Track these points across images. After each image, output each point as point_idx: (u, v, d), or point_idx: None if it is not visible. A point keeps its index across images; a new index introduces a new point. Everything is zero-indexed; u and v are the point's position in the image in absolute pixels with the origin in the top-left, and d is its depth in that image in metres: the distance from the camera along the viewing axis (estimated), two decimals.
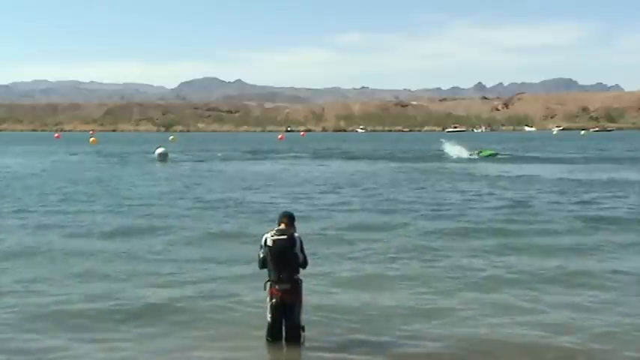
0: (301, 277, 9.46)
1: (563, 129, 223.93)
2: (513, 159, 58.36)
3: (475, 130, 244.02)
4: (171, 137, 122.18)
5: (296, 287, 9.34)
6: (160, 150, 59.85)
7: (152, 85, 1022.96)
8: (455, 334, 10.31)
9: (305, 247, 9.48)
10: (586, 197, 27.38)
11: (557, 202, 25.92)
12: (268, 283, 9.44)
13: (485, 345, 9.90)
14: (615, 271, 14.04)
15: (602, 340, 9.99)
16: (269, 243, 9.30)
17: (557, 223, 20.55)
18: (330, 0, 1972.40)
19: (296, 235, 9.37)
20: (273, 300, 9.34)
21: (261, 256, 9.46)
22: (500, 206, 24.80)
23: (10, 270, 14.63)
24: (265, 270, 9.50)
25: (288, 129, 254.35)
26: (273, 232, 9.38)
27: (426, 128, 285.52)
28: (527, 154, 66.70)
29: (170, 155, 60.19)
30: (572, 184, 33.75)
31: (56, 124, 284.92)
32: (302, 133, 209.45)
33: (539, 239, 17.93)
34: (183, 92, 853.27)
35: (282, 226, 9.46)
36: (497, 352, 9.67)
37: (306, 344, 9.50)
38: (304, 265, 9.41)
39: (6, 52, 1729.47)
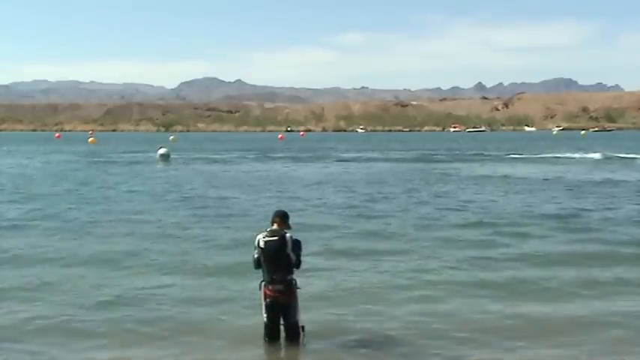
0: (295, 278, 9.37)
1: (563, 129, 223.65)
2: None
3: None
4: (172, 137, 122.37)
5: (290, 288, 9.28)
6: (162, 150, 60.15)
7: (152, 85, 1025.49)
8: (456, 335, 10.26)
9: (302, 245, 9.40)
10: None
11: None
12: (262, 284, 9.40)
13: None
14: None
15: None
16: (261, 245, 9.25)
17: None
18: (330, 0, 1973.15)
19: (288, 235, 9.27)
20: (267, 300, 9.30)
21: (256, 256, 9.42)
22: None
23: None
24: (260, 270, 9.44)
25: (288, 129, 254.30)
26: (265, 234, 9.32)
27: (426, 128, 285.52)
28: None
29: (172, 156, 60.33)
30: None
31: (56, 124, 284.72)
32: (301, 133, 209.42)
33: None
34: (183, 92, 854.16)
35: (275, 225, 9.39)
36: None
37: (306, 344, 9.45)
38: (297, 265, 9.34)
39: (6, 52, 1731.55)
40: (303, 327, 9.45)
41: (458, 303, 11.95)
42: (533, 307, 11.71)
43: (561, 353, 9.64)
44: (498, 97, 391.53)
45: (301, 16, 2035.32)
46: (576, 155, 61.12)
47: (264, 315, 9.44)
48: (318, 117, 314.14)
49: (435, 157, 65.20)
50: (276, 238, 9.25)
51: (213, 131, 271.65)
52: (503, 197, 28.08)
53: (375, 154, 70.97)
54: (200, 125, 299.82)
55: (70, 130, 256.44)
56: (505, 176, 39.16)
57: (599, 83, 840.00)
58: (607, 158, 57.11)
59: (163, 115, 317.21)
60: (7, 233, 19.28)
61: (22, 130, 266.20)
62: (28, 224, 20.83)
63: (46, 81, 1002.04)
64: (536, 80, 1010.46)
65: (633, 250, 16.40)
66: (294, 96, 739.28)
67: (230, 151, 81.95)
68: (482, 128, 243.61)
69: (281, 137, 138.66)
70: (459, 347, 9.79)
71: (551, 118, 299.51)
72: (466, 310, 11.51)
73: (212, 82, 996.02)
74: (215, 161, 58.53)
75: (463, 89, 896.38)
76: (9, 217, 22.44)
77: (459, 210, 23.89)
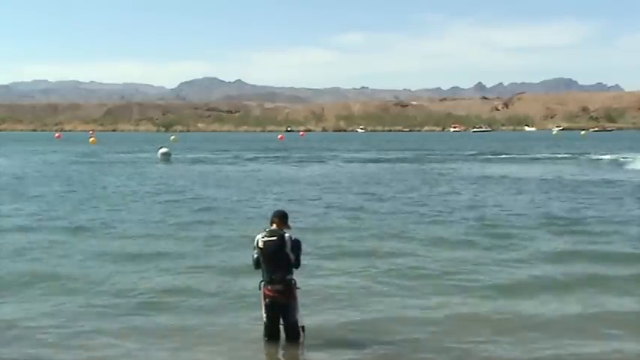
0: (294, 278, 9.42)
1: (563, 129, 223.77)
2: None
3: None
4: (173, 137, 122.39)
5: (289, 287, 9.31)
6: (163, 150, 60.36)
7: (152, 85, 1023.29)
8: (456, 337, 10.28)
9: (302, 245, 9.46)
10: None
11: None
12: (262, 284, 9.45)
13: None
14: None
15: None
16: (260, 245, 9.29)
17: None
18: (330, 0, 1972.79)
19: (287, 235, 9.30)
20: (267, 300, 9.35)
21: (255, 256, 9.46)
22: None
23: None
24: (260, 270, 9.48)
25: (288, 129, 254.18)
26: (264, 234, 9.36)
27: (426, 128, 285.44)
28: None
29: (172, 155, 60.45)
30: None
31: (56, 124, 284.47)
32: (301, 133, 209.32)
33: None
34: (183, 92, 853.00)
35: (274, 226, 9.43)
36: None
37: (306, 344, 9.48)
38: (296, 265, 9.38)
39: (6, 52, 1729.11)
40: (303, 327, 9.47)
41: (460, 306, 11.82)
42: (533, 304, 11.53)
43: None
44: (498, 97, 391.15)
45: (301, 16, 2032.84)
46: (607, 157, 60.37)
47: (264, 315, 9.46)
48: (318, 117, 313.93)
49: (455, 157, 65.26)
50: (275, 238, 9.28)
51: (213, 131, 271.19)
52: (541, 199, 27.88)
53: (376, 155, 71.00)
54: (200, 125, 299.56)
55: (70, 130, 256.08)
56: (541, 178, 38.34)
57: (599, 83, 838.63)
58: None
59: (163, 115, 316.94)
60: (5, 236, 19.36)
61: (22, 130, 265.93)
62: (29, 226, 20.83)
63: (46, 81, 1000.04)
64: (536, 80, 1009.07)
65: None
66: (294, 96, 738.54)
67: (230, 151, 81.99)
68: (487, 128, 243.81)
69: (281, 137, 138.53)
70: (460, 349, 9.76)
71: (551, 118, 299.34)
72: (469, 314, 11.40)
73: (212, 82, 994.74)
74: (215, 161, 58.55)
75: (463, 89, 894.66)
76: (12, 220, 22.50)
77: (474, 213, 23.39)
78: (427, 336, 10.27)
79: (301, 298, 9.63)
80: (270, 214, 9.77)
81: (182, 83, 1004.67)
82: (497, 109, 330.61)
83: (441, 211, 23.68)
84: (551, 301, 12.09)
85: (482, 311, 11.47)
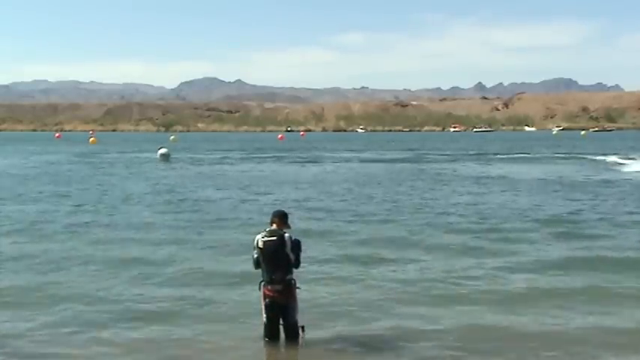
0: (294, 278, 9.40)
1: (563, 129, 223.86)
2: None
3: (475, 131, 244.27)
4: (172, 137, 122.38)
5: (289, 287, 9.31)
6: (162, 150, 60.40)
7: (152, 85, 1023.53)
8: (454, 337, 10.27)
9: (302, 246, 9.44)
10: None
11: None
12: (262, 284, 9.43)
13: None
14: None
15: None
16: (260, 245, 9.29)
17: None
18: (330, 0, 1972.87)
19: (287, 235, 9.29)
20: (266, 300, 9.33)
21: (255, 256, 9.46)
22: None
23: None
24: (260, 270, 9.47)
25: (288, 129, 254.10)
26: (264, 234, 9.35)
27: (426, 128, 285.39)
28: None
29: (172, 155, 60.47)
30: None
31: (56, 124, 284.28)
32: (302, 133, 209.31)
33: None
34: (183, 92, 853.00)
35: (274, 226, 9.42)
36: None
37: (305, 344, 9.47)
38: (296, 265, 9.37)
39: (6, 52, 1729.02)
40: (302, 327, 9.47)
41: (462, 315, 11.58)
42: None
43: None
44: (498, 97, 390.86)
45: (301, 16, 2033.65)
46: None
47: (264, 315, 9.47)
48: (318, 117, 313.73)
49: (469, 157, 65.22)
50: (274, 238, 9.27)
51: (213, 131, 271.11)
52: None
53: (376, 155, 70.99)
54: (200, 125, 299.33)
55: (70, 130, 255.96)
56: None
57: (599, 83, 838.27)
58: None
59: (163, 115, 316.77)
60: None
61: (22, 130, 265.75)
62: (28, 228, 20.77)
63: (46, 81, 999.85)
64: (536, 80, 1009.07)
65: None
66: (294, 96, 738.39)
67: (230, 151, 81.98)
68: (489, 128, 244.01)
69: (281, 137, 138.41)
70: (462, 356, 9.69)
71: (551, 118, 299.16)
72: (471, 324, 11.18)
73: (212, 82, 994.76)
74: (215, 162, 58.55)
75: (463, 89, 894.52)
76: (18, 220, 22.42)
77: (474, 213, 23.46)
78: (428, 344, 10.13)
79: (300, 305, 9.57)
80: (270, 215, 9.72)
81: (182, 83, 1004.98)
82: (498, 109, 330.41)
83: (442, 213, 23.59)
84: (555, 309, 11.87)
85: (485, 321, 11.22)
